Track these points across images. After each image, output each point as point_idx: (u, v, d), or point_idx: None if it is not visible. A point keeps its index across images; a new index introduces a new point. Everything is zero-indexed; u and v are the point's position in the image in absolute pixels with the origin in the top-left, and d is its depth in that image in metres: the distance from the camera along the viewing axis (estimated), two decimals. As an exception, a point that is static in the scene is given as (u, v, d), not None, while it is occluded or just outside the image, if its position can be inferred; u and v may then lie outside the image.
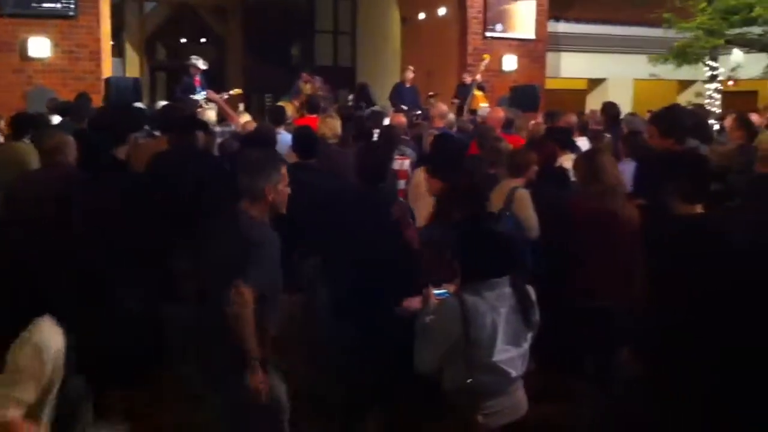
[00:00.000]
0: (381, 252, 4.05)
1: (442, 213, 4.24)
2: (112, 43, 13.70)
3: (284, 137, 7.37)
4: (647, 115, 12.31)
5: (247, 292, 3.35)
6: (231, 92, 11.51)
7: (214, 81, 14.51)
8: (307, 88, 12.60)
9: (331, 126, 7.09)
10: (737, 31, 15.47)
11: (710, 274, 3.53)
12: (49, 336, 2.60)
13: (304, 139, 5.98)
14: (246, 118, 8.75)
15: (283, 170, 3.68)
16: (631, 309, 4.44)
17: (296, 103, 11.86)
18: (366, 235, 4.11)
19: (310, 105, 9.48)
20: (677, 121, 5.54)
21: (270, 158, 3.78)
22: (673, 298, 3.73)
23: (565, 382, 5.12)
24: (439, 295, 3.66)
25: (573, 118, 7.94)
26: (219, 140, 7.56)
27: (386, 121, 8.86)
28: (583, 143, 7.75)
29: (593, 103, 18.18)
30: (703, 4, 15.15)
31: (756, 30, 15.57)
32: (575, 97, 19.17)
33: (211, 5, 22.59)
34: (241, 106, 10.53)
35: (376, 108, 11.27)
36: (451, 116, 10.14)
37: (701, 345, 3.40)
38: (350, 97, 14.01)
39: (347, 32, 21.12)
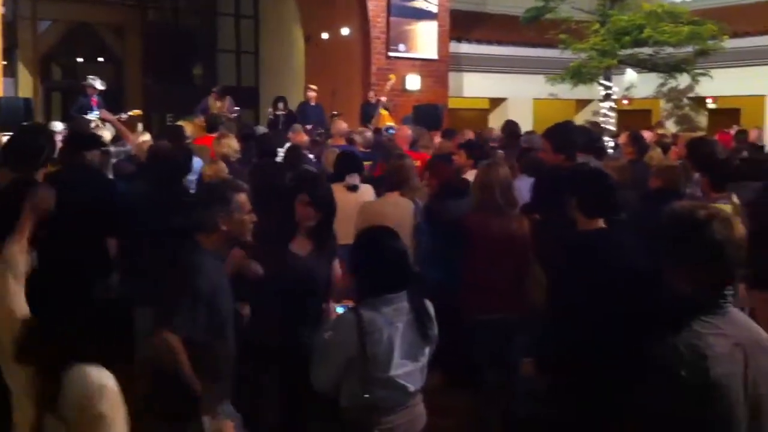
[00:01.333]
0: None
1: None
2: (4, 62, 13.16)
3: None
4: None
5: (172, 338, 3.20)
6: (129, 113, 11.21)
7: (113, 101, 14.13)
8: (217, 106, 12.42)
9: (228, 144, 7.02)
10: (629, 51, 16.13)
11: (601, 286, 3.63)
12: None
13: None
14: (145, 137, 8.54)
15: (241, 197, 3.53)
16: (528, 321, 4.53)
17: (200, 121, 11.64)
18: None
19: (209, 124, 9.39)
20: (569, 137, 5.70)
21: (221, 188, 3.65)
22: (570, 310, 3.81)
23: (468, 396, 5.16)
24: (340, 309, 3.64)
25: (470, 135, 8.07)
26: (114, 160, 7.36)
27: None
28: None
29: (495, 121, 18.54)
30: (596, 26, 15.75)
31: (646, 50, 16.27)
32: (477, 115, 19.54)
33: (109, 24, 22.02)
34: (140, 126, 10.26)
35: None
36: (369, 134, 10.18)
37: (593, 355, 3.48)
38: (270, 110, 13.93)
39: (250, 51, 20.94)
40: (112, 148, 7.57)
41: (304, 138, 8.75)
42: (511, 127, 11.05)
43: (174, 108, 18.77)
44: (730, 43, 15.85)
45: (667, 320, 2.38)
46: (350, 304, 3.49)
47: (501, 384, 4.93)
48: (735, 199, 5.74)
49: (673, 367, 2.25)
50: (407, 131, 8.87)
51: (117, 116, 9.80)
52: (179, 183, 5.53)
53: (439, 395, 4.83)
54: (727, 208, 5.34)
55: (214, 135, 8.45)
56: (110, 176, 6.61)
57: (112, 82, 18.58)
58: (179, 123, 10.28)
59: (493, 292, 4.73)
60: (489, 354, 4.86)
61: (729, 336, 2.33)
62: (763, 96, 17.57)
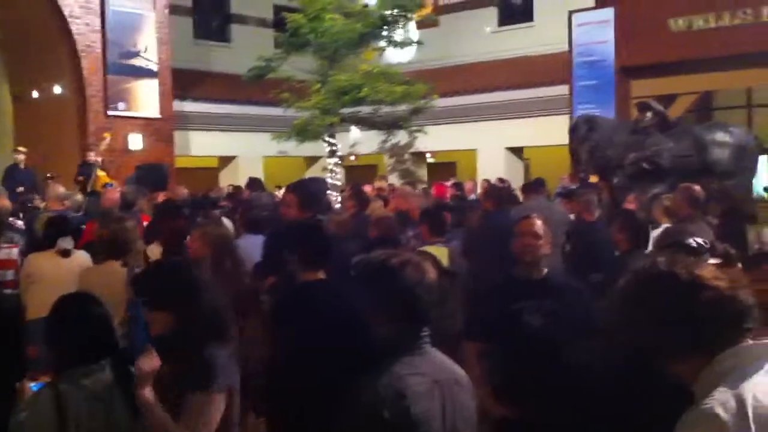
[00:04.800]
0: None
1: None
2: None
3: None
4: (275, 190, 12.83)
5: None
6: None
7: None
8: None
9: None
10: (350, 110, 16.83)
11: (318, 335, 3.65)
12: None
13: None
14: None
15: None
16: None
17: None
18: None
19: None
20: (317, 194, 5.78)
21: None
22: (288, 360, 3.79)
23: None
24: (35, 388, 3.30)
25: (183, 191, 7.88)
26: None
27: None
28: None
29: (225, 180, 18.48)
30: (317, 85, 16.28)
31: (366, 109, 17.10)
32: (207, 174, 19.33)
33: None
34: None
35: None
36: (79, 197, 9.63)
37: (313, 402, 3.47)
38: None
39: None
40: None
41: (7, 203, 8.04)
42: (253, 184, 11.13)
43: None
44: (442, 102, 17.15)
45: (369, 362, 2.42)
46: (47, 379, 3.17)
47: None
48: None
49: (376, 408, 2.28)
50: (114, 194, 8.50)
51: None
52: None
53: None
54: (442, 250, 5.73)
55: None
56: None
57: None
58: None
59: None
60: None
61: (427, 374, 2.42)
62: (475, 150, 19.16)
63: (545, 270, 4.04)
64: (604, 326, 2.78)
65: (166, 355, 2.87)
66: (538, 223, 4.04)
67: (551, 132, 16.95)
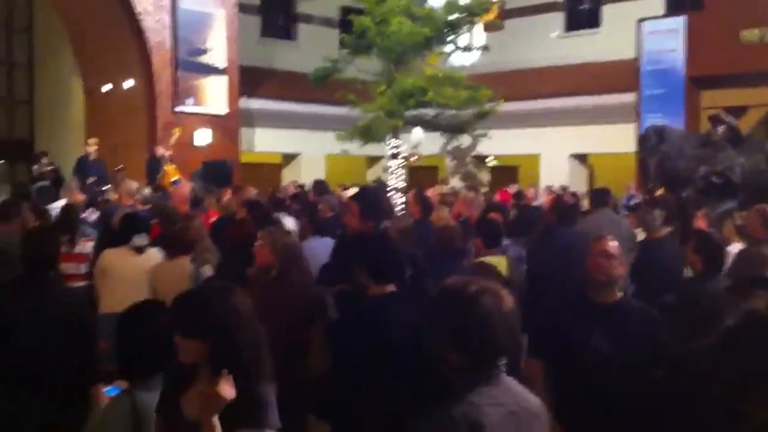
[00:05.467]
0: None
1: None
2: None
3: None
4: (338, 189, 12.90)
5: None
6: None
7: None
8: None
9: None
10: (414, 112, 16.74)
11: (384, 350, 3.63)
12: None
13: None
14: None
15: None
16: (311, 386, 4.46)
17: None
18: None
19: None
20: (378, 203, 5.76)
21: None
22: (355, 373, 3.78)
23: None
24: (110, 392, 3.37)
25: (252, 192, 7.90)
26: None
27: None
28: (289, 221, 7.59)
29: (288, 177, 18.67)
30: (383, 87, 16.24)
31: (430, 111, 17.01)
32: (271, 171, 19.54)
33: None
34: None
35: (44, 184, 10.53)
36: (147, 191, 9.75)
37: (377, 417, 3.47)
38: (36, 167, 13.04)
39: (24, 101, 19.67)
40: None
41: (80, 198, 8.21)
42: (320, 187, 11.15)
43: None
44: (505, 106, 16.98)
45: (443, 391, 2.39)
46: (123, 385, 3.23)
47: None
48: (510, 253, 6.12)
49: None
50: (185, 190, 8.56)
51: None
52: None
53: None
54: (500, 259, 5.65)
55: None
56: None
57: None
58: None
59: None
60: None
61: (504, 405, 2.39)
62: (538, 155, 18.98)
63: (619, 294, 3.88)
64: (684, 360, 2.70)
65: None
66: (612, 244, 3.85)
67: (616, 140, 16.70)
